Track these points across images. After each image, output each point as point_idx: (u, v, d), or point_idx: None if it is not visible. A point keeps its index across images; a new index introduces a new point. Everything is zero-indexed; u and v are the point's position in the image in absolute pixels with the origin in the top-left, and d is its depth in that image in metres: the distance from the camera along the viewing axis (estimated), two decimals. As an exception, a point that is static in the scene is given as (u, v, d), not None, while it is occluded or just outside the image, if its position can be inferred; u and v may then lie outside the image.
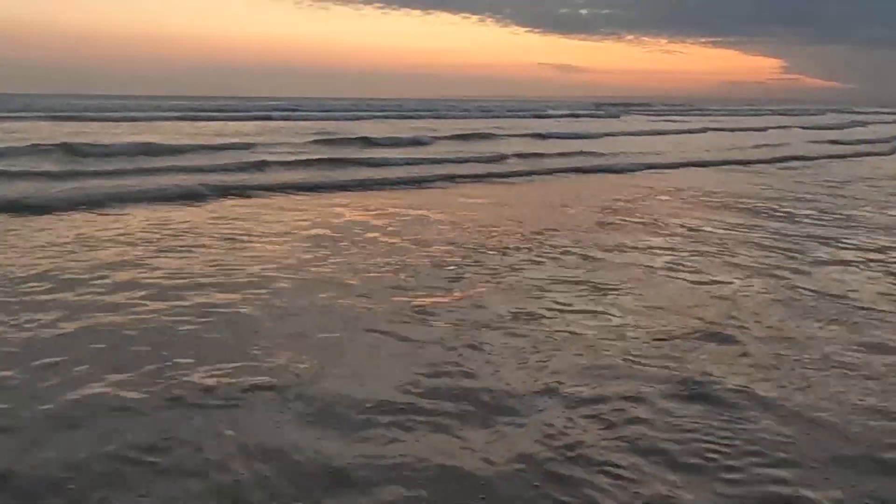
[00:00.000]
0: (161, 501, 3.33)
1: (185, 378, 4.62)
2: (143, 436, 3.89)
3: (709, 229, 9.92)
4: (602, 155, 20.97)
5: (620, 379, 4.70)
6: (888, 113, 70.32)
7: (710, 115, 62.08)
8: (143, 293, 6.38)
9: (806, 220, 10.78)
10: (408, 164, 17.54)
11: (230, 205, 11.56)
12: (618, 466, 3.64)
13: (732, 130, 37.31)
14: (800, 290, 6.83)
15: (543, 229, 9.66)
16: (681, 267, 7.67)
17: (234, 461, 3.65)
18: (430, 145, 23.68)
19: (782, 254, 8.37)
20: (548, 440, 3.89)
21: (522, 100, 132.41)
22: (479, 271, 7.38)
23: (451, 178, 15.38)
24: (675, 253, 8.38)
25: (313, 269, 7.40)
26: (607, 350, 5.20)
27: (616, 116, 55.45)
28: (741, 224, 10.37)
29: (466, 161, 18.39)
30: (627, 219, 10.72)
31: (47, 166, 15.11)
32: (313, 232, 9.36)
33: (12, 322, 5.57)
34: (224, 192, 12.56)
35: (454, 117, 45.42)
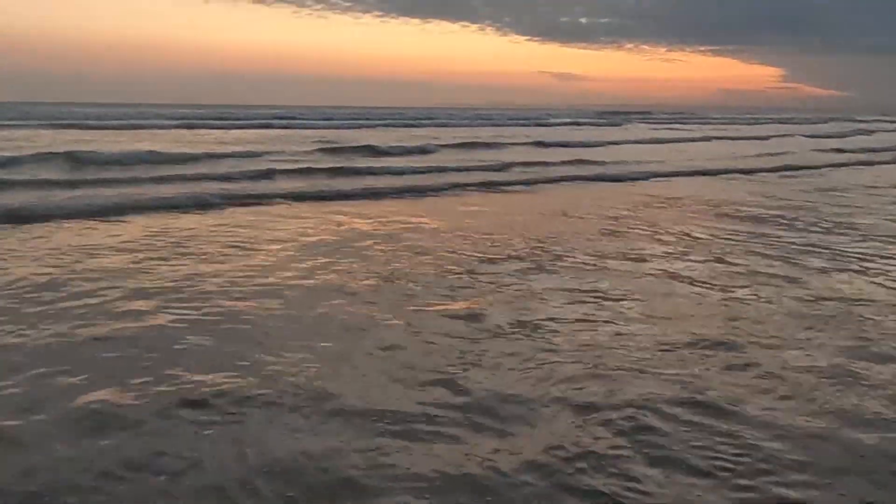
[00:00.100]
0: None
1: (189, 386, 4.60)
2: (146, 445, 3.86)
3: (713, 238, 9.89)
4: (605, 163, 20.96)
5: (626, 388, 4.67)
6: (890, 121, 70.35)
7: (711, 123, 62.18)
8: (148, 301, 6.36)
9: (811, 229, 10.74)
10: (413, 172, 17.55)
11: (237, 213, 11.53)
12: (625, 475, 3.61)
13: (735, 139, 37.30)
14: (806, 298, 6.80)
15: (548, 238, 9.65)
16: (686, 275, 7.65)
17: (239, 469, 3.63)
18: (434, 153, 23.65)
19: (787, 262, 8.34)
20: (556, 448, 3.86)
21: (523, 108, 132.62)
22: (485, 280, 7.36)
23: (457, 187, 15.37)
24: (681, 261, 8.36)
25: (320, 277, 7.38)
26: (613, 358, 5.18)
27: (618, 125, 55.47)
28: (746, 232, 10.35)
29: (471, 170, 18.35)
30: (632, 227, 10.70)
31: (51, 175, 15.09)
32: (319, 240, 9.34)
33: (16, 330, 5.55)
34: (231, 200, 12.56)
35: (455, 126, 45.45)
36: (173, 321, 5.86)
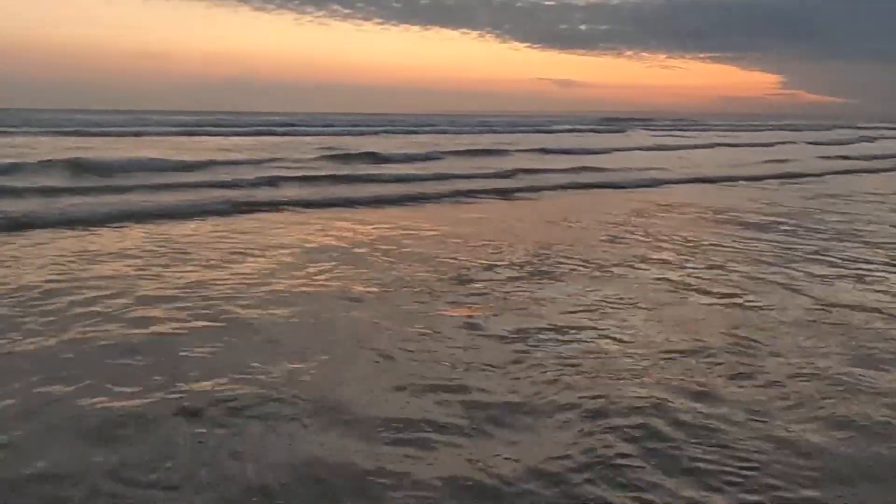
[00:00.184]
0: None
1: (195, 391, 4.57)
2: (153, 448, 3.85)
3: (718, 245, 9.86)
4: (610, 171, 20.96)
5: (632, 395, 4.63)
6: (892, 128, 70.30)
7: (713, 129, 62.08)
8: (152, 308, 6.33)
9: (817, 236, 10.71)
10: (417, 180, 17.51)
11: (240, 220, 11.51)
12: (633, 486, 3.58)
13: (739, 146, 37.30)
14: (811, 306, 6.77)
15: (553, 245, 9.61)
16: (691, 282, 7.62)
17: (246, 473, 3.62)
18: (438, 160, 23.58)
19: (792, 269, 8.30)
20: (562, 458, 3.83)
21: (523, 114, 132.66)
22: (490, 287, 7.33)
23: (461, 194, 15.33)
24: (686, 268, 8.32)
25: (324, 284, 7.35)
26: (618, 366, 5.14)
27: (621, 131, 55.45)
28: (750, 239, 10.32)
29: (475, 177, 18.31)
30: (637, 235, 10.67)
31: (53, 182, 15.05)
32: (323, 247, 9.31)
33: (20, 337, 5.53)
34: (234, 207, 12.54)
35: (457, 132, 45.36)
36: (176, 328, 5.83)
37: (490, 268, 8.16)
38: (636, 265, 8.44)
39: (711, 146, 36.69)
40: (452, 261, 8.50)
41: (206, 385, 4.71)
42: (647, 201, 14.86)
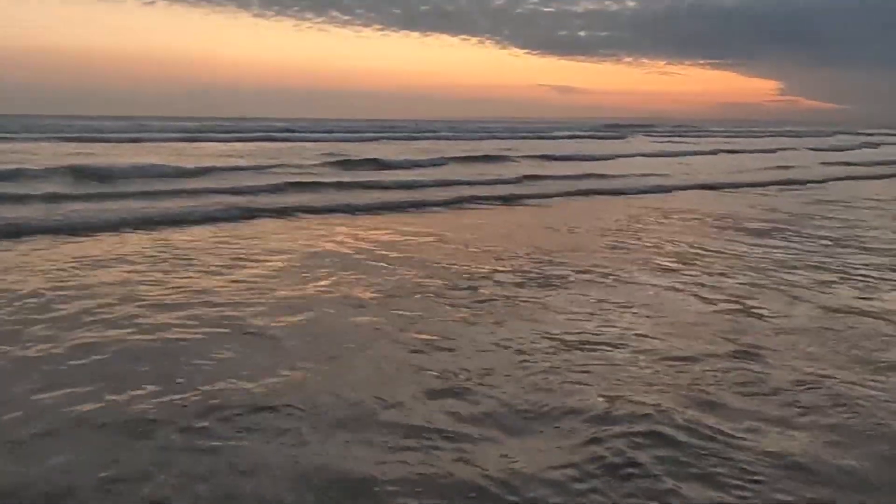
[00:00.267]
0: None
1: (202, 394, 4.54)
2: (154, 451, 3.83)
3: (722, 251, 9.84)
4: (613, 177, 20.92)
5: (638, 401, 4.59)
6: (893, 134, 70.32)
7: (714, 136, 62.10)
8: (155, 314, 6.30)
9: (821, 242, 10.68)
10: (421, 186, 17.47)
11: (244, 226, 11.50)
12: (641, 494, 3.54)
13: (741, 152, 37.27)
14: (817, 312, 6.74)
15: (557, 251, 9.59)
16: (697, 289, 7.58)
17: (251, 477, 3.60)
18: (442, 167, 23.52)
19: (797, 275, 8.27)
20: (570, 462, 3.80)
21: (524, 120, 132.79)
22: (496, 293, 7.30)
23: (465, 201, 15.32)
24: (692, 275, 8.29)
25: (329, 290, 7.31)
26: (625, 373, 5.11)
27: (622, 138, 55.44)
28: (755, 245, 10.29)
29: (479, 184, 18.30)
30: (641, 241, 10.64)
31: (55, 188, 14.98)
32: (329, 253, 9.28)
33: (24, 342, 5.50)
34: (238, 214, 12.52)
35: (458, 139, 45.33)
36: (180, 334, 5.79)
37: (494, 274, 8.12)
38: (641, 272, 8.41)
39: (713, 153, 36.62)
40: (457, 267, 8.47)
41: (209, 390, 4.66)
42: (651, 207, 14.84)
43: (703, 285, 7.73)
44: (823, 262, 9.03)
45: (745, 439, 4.10)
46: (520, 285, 7.62)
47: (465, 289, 7.43)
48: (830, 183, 21.52)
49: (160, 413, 4.35)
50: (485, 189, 17.17)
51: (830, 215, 13.87)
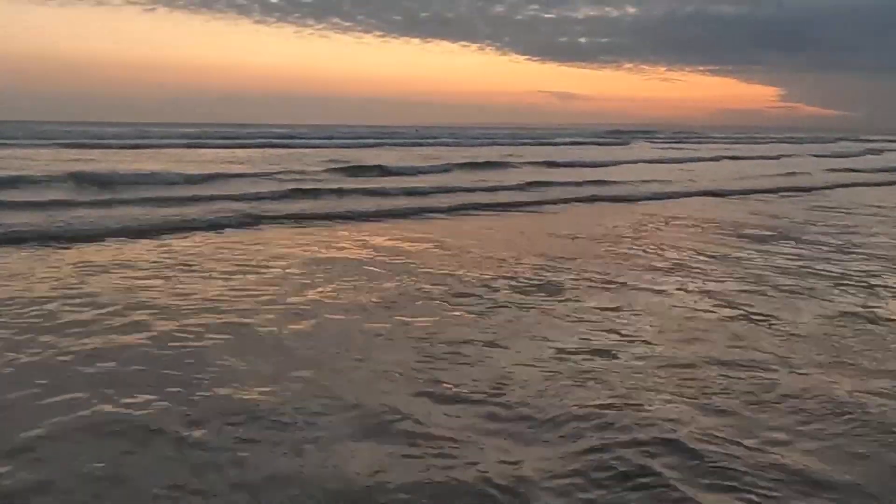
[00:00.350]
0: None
1: (207, 401, 4.52)
2: (156, 454, 3.84)
3: (726, 257, 9.81)
4: (617, 183, 20.90)
5: (645, 409, 4.56)
6: (894, 140, 70.31)
7: (716, 142, 62.08)
8: (159, 320, 6.27)
9: (825, 248, 10.65)
10: (425, 193, 17.43)
11: (247, 233, 11.44)
12: (647, 498, 3.51)
13: (743, 158, 37.22)
14: (823, 319, 6.70)
15: (562, 258, 9.57)
16: (701, 296, 7.55)
17: (257, 486, 3.58)
18: (446, 173, 23.49)
19: (802, 281, 8.23)
20: (575, 474, 3.77)
21: (525, 126, 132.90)
22: (501, 299, 7.27)
23: (469, 207, 15.28)
24: (696, 281, 8.25)
25: (333, 296, 7.28)
26: (633, 378, 5.08)
27: (624, 144, 55.44)
28: (760, 251, 10.25)
29: (482, 190, 18.27)
30: (647, 248, 10.60)
31: (57, 195, 14.97)
32: (334, 260, 9.23)
33: (28, 348, 5.48)
34: (243, 220, 12.48)
35: (460, 145, 45.33)
36: (183, 341, 5.76)
37: (499, 280, 8.09)
38: (646, 278, 8.38)
39: (716, 159, 36.60)
40: (460, 274, 8.43)
41: (214, 397, 4.65)
42: (655, 214, 14.81)
43: (707, 292, 7.70)
44: (828, 270, 8.99)
45: (752, 448, 4.06)
46: (524, 292, 7.59)
47: (469, 295, 7.40)
48: (836, 190, 21.48)
49: (163, 420, 4.32)
50: (487, 196, 17.17)
51: (835, 221, 13.83)
